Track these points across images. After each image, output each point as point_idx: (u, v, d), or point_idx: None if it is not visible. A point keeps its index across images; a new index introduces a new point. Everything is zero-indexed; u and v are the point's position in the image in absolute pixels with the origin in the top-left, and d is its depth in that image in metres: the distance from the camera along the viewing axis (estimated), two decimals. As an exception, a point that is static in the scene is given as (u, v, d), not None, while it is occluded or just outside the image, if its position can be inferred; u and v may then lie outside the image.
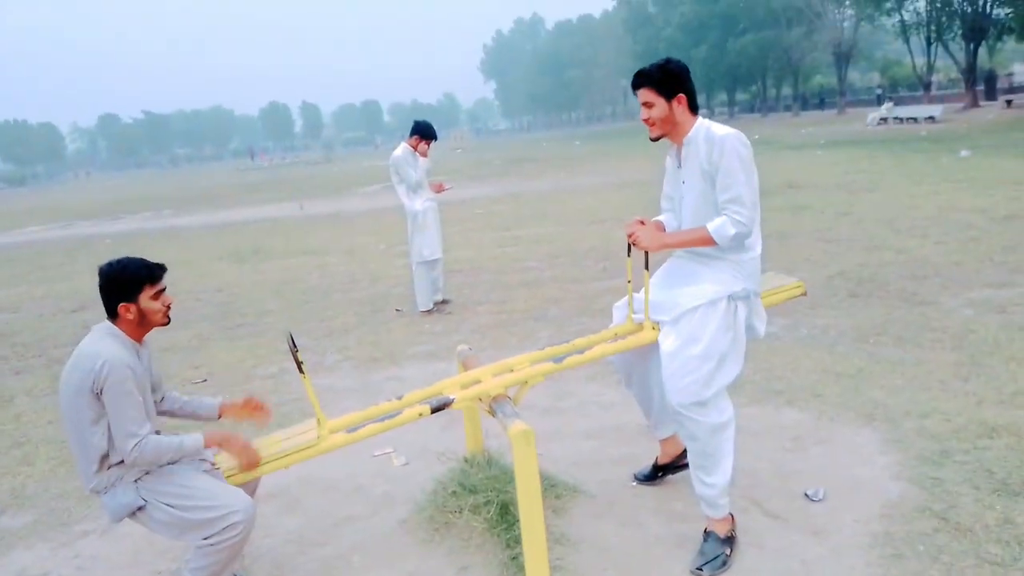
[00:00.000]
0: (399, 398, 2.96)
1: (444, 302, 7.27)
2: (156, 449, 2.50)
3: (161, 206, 28.13)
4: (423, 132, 6.90)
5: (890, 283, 6.37)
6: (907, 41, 40.26)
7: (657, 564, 2.81)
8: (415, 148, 6.89)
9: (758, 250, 2.83)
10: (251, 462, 2.66)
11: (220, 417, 2.92)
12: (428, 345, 6.06)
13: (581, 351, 3.01)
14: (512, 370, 2.98)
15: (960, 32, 36.59)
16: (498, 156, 40.79)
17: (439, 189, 7.17)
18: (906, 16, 39.88)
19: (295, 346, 2.63)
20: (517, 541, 2.76)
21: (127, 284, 2.54)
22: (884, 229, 8.80)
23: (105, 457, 2.51)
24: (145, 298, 2.56)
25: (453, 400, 2.82)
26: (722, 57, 57.30)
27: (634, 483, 3.44)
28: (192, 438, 2.60)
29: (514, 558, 2.80)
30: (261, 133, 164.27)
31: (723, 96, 67.88)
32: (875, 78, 61.54)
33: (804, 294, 3.35)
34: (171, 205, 28.28)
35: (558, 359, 2.99)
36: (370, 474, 3.84)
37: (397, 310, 7.36)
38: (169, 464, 2.58)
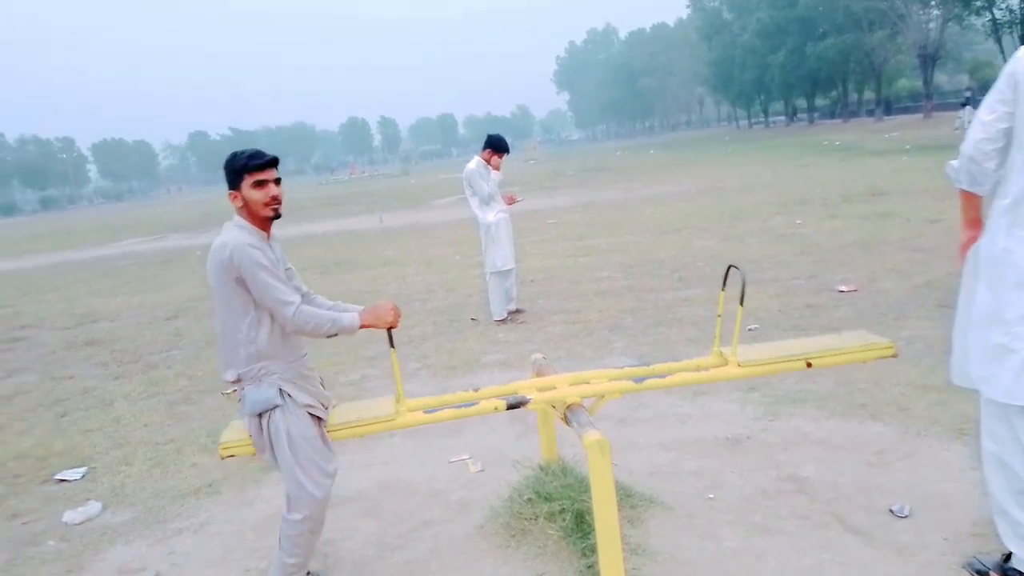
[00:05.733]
0: (475, 390, 3.01)
1: (518, 311, 7.34)
2: (314, 317, 2.65)
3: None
4: (495, 146, 7.02)
5: (982, 293, 6.08)
6: (999, 41, 38.35)
7: (735, 577, 2.77)
8: (488, 161, 7.01)
9: (1005, 201, 2.36)
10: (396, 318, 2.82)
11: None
12: (502, 354, 6.12)
13: (662, 376, 2.99)
14: (588, 383, 3.00)
15: (1058, 30, 34.69)
16: (571, 166, 40.78)
17: (510, 201, 7.28)
18: (998, 15, 37.94)
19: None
20: (593, 550, 2.77)
21: (232, 172, 2.68)
22: (976, 237, 8.40)
23: (254, 347, 2.63)
24: (246, 186, 2.65)
25: (530, 400, 2.85)
26: (801, 62, 55.77)
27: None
28: (349, 317, 2.74)
29: (590, 567, 2.81)
30: (341, 148, 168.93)
31: (802, 102, 66.13)
32: (964, 80, 58.77)
33: (895, 355, 3.02)
34: (255, 218, 29.24)
35: (638, 380, 2.98)
36: (447, 480, 3.91)
37: (472, 319, 7.47)
38: (319, 388, 2.77)
